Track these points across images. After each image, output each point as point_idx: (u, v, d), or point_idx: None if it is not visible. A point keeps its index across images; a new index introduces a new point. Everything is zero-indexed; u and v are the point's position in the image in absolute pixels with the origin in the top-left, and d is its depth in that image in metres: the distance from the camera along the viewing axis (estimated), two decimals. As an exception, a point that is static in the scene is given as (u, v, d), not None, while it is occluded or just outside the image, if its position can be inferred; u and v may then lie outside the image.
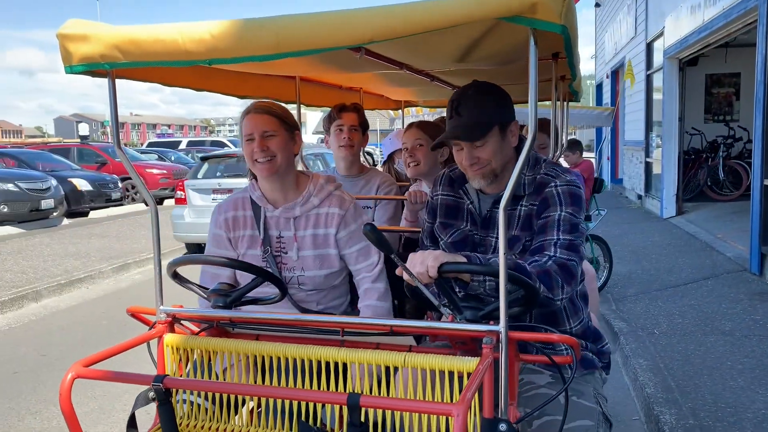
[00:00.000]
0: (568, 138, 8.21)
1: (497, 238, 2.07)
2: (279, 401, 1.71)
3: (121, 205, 16.81)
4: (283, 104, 2.39)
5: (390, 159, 4.05)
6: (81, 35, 1.54)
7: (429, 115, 5.82)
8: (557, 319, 2.07)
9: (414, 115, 5.56)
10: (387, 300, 2.37)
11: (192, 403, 1.80)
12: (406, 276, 1.69)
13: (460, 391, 1.52)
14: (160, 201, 18.33)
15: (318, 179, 2.44)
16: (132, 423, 1.70)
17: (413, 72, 2.60)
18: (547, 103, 3.75)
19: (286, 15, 1.44)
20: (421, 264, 1.67)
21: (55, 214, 13.56)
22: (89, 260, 9.34)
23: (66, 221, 13.97)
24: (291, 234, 2.37)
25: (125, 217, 15.10)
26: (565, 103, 3.33)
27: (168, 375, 1.43)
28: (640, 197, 14.31)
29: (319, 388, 1.70)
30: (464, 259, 1.73)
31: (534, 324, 1.97)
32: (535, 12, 1.29)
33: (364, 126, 3.28)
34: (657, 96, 12.55)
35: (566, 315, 2.09)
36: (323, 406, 1.72)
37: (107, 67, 1.55)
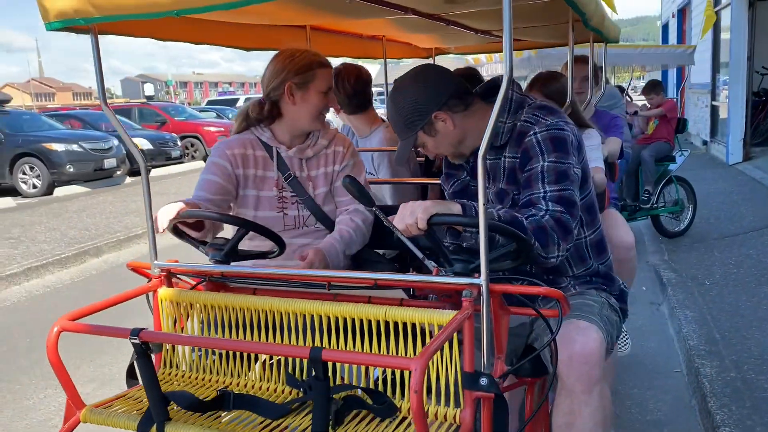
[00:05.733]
0: (650, 80, 7.88)
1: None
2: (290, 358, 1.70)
3: (181, 162, 17.21)
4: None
5: None
6: (55, -10, 1.54)
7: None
8: (558, 268, 1.99)
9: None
10: (368, 226, 2.44)
11: (197, 356, 1.84)
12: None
13: (451, 347, 1.49)
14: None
15: None
16: (131, 373, 1.73)
17: (421, 16, 2.48)
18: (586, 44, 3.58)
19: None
20: (411, 215, 1.61)
21: (118, 173, 14.08)
22: (147, 217, 9.68)
23: (128, 180, 14.46)
24: (305, 174, 2.44)
25: (184, 174, 15.50)
26: (596, 44, 3.15)
27: (145, 329, 1.45)
28: (705, 143, 13.61)
29: (312, 342, 1.68)
30: (458, 209, 1.67)
31: (518, 276, 1.89)
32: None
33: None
34: (725, 35, 11.77)
35: (569, 263, 2.02)
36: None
37: (82, 23, 1.54)
